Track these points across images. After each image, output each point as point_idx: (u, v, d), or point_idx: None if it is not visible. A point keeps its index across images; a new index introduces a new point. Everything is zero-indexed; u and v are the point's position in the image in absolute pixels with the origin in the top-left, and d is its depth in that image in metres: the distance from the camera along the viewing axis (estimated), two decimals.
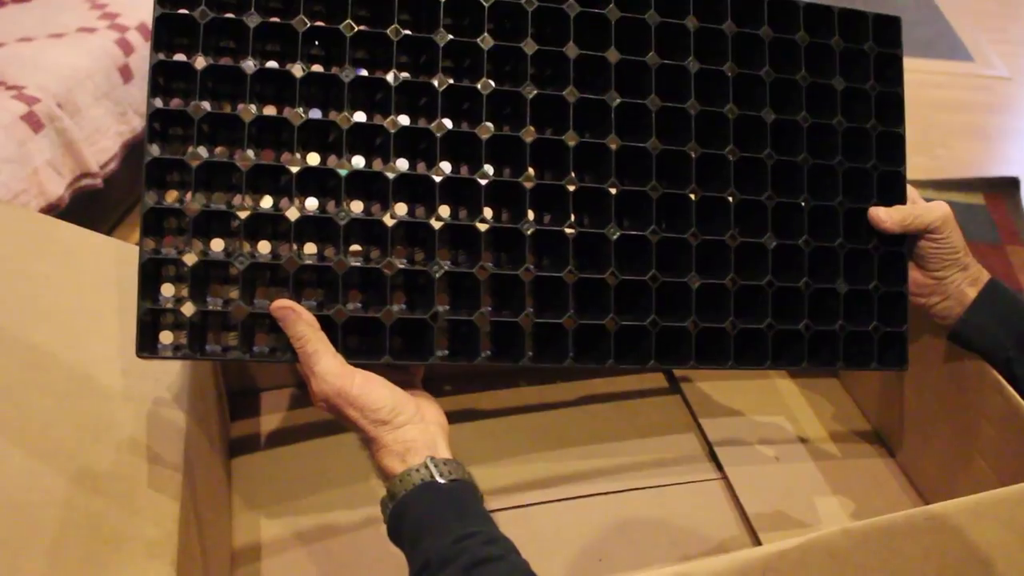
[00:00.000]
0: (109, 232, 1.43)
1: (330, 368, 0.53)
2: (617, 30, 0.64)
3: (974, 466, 0.74)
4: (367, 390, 0.53)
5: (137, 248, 0.55)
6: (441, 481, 0.51)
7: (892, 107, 0.71)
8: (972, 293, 0.69)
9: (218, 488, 0.72)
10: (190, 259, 0.55)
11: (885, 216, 0.69)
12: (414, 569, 0.49)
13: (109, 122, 1.30)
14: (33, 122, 1.17)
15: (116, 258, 0.70)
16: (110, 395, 0.60)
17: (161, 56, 0.56)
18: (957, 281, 0.69)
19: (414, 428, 0.54)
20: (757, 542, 0.74)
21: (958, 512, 0.51)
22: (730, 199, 0.66)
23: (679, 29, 0.66)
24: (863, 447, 0.87)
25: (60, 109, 1.20)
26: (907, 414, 0.83)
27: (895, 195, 0.71)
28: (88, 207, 1.30)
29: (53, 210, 1.19)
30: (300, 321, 0.54)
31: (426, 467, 0.51)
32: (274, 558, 0.72)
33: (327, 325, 0.56)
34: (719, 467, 0.83)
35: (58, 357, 0.60)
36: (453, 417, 0.85)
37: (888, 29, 0.71)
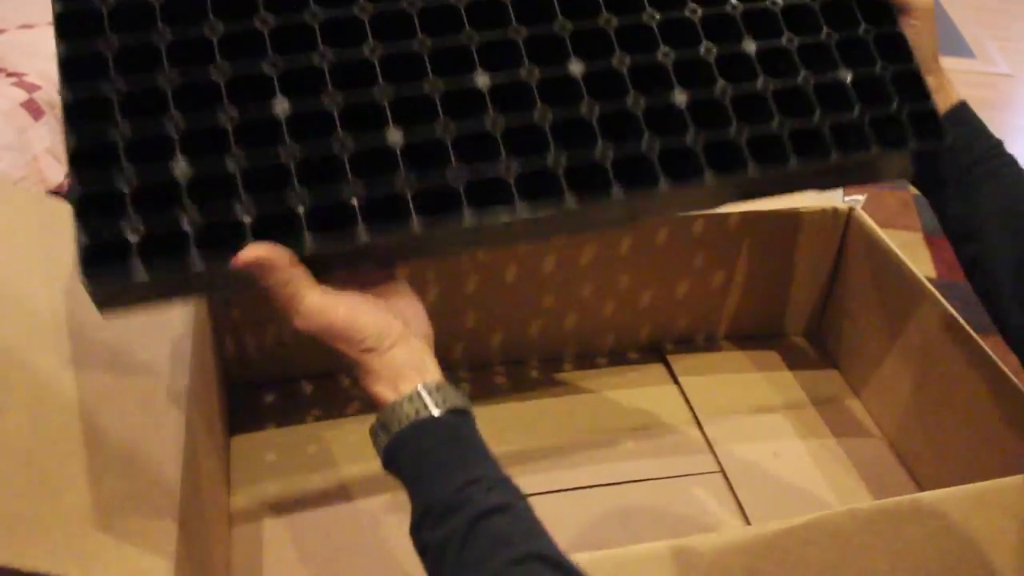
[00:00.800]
0: None
1: (313, 305, 0.49)
2: None
3: (976, 457, 0.74)
4: (352, 319, 0.50)
5: None
6: (437, 412, 0.49)
7: None
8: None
9: (217, 464, 0.73)
10: (129, 185, 0.49)
11: None
12: (416, 512, 0.48)
13: None
14: (33, 109, 1.17)
15: None
16: (114, 363, 0.61)
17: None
18: None
19: (401, 350, 0.51)
20: None
21: (962, 499, 0.52)
22: (692, 15, 0.60)
23: None
24: (863, 438, 0.87)
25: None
26: (909, 406, 0.83)
27: None
28: None
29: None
30: (275, 269, 0.48)
31: (419, 396, 0.50)
32: (273, 524, 0.73)
33: (289, 227, 0.50)
34: (716, 459, 0.83)
35: (59, 317, 0.60)
36: None
37: None
